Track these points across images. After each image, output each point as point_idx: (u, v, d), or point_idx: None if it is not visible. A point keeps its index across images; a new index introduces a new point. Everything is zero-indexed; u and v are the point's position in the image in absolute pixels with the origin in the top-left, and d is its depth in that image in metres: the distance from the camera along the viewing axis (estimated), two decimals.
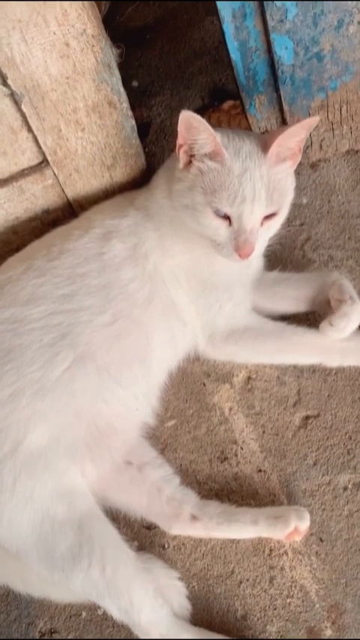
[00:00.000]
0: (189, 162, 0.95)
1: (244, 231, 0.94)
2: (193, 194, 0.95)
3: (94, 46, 0.92)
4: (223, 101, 1.40)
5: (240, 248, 0.95)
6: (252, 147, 0.94)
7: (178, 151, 0.95)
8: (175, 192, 0.99)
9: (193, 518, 0.99)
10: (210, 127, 0.90)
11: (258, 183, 0.92)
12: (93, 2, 0.90)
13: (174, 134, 0.95)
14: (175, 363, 1.12)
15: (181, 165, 0.96)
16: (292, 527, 0.95)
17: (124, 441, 1.03)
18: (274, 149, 0.93)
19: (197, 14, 1.58)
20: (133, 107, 1.48)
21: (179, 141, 0.94)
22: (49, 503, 0.89)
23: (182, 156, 0.95)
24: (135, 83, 1.55)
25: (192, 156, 0.95)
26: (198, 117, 0.89)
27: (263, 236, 0.98)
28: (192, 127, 0.91)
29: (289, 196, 0.99)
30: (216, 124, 1.26)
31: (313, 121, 0.93)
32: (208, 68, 1.51)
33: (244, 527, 0.98)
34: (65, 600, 0.98)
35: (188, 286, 1.07)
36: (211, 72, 1.50)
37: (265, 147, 0.94)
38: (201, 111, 1.44)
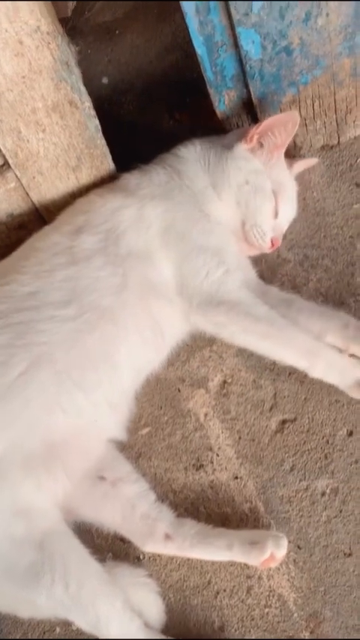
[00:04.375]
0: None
1: (282, 226, 1.15)
2: (260, 178, 1.09)
3: (49, 43, 0.89)
4: (194, 97, 1.37)
5: (277, 239, 1.12)
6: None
7: (253, 135, 1.08)
8: (237, 167, 1.09)
9: (167, 537, 0.97)
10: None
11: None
12: None
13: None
14: (160, 357, 1.08)
15: (247, 147, 1.10)
16: (268, 554, 0.93)
17: (86, 457, 0.99)
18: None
19: (168, 8, 1.54)
20: (102, 104, 1.46)
21: (261, 129, 1.08)
22: (6, 522, 0.86)
23: (255, 139, 1.09)
24: (105, 80, 1.51)
25: (259, 143, 1.10)
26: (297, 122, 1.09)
27: None
28: (286, 127, 1.08)
29: None
30: (184, 122, 1.23)
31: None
32: (179, 64, 1.47)
33: (218, 552, 0.95)
34: (34, 617, 0.96)
35: (172, 250, 1.03)
36: (183, 67, 1.46)
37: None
38: (171, 108, 1.41)
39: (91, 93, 1.39)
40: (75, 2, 1.54)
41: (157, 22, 1.54)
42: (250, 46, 1.03)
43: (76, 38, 1.56)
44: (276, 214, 1.11)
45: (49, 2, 0.86)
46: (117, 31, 1.58)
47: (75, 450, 0.97)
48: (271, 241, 1.11)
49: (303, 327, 1.03)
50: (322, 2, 0.98)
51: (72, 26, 1.59)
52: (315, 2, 0.98)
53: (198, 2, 0.95)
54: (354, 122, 1.23)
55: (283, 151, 1.12)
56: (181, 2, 0.96)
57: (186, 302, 1.03)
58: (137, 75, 1.49)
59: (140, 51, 1.53)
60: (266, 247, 1.12)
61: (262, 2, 0.95)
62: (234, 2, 0.95)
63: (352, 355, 1.02)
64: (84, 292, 0.98)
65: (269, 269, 1.19)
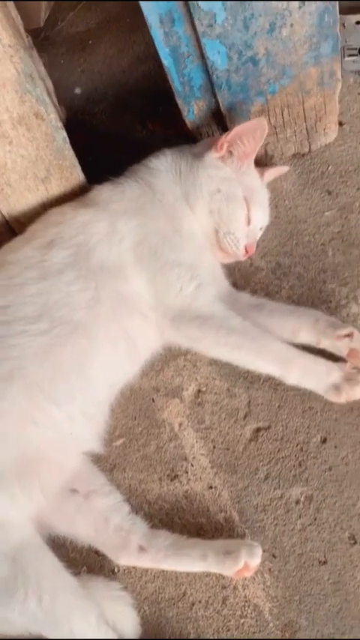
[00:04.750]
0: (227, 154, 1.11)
1: (256, 232, 1.16)
2: (232, 185, 1.10)
3: (12, 56, 0.89)
4: (167, 107, 1.37)
5: (251, 245, 1.13)
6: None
7: (222, 143, 1.09)
8: (208, 176, 1.10)
9: (141, 549, 0.96)
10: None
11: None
12: (7, 10, 0.86)
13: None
14: (135, 368, 1.08)
15: (217, 155, 1.10)
16: (242, 564, 0.92)
17: (61, 469, 0.98)
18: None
19: (140, 18, 1.54)
20: (75, 114, 1.47)
21: (230, 137, 1.08)
22: None
23: (224, 147, 1.09)
24: (78, 90, 1.51)
25: (229, 152, 1.10)
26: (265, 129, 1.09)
27: None
28: (254, 134, 1.08)
29: None
30: (157, 132, 1.23)
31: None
32: (152, 73, 1.48)
33: (192, 562, 0.95)
34: (6, 633, 0.94)
35: (145, 265, 1.03)
36: (156, 77, 1.47)
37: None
38: (144, 118, 1.41)
39: (64, 103, 1.40)
40: (47, 13, 1.55)
41: (130, 33, 1.55)
42: (216, 56, 1.04)
43: (48, 49, 1.56)
44: (249, 221, 1.12)
45: (11, 15, 0.86)
46: (90, 42, 1.58)
47: (50, 464, 0.96)
48: (245, 248, 1.12)
49: (277, 328, 1.05)
50: (285, 13, 0.99)
51: (45, 37, 1.59)
52: (279, 13, 0.99)
53: (162, 13, 0.96)
54: (324, 130, 1.24)
55: (253, 157, 1.13)
56: (145, 14, 0.96)
57: (160, 317, 1.03)
58: (110, 85, 1.49)
59: (113, 61, 1.53)
60: (240, 254, 1.12)
61: (226, 14, 0.96)
62: (198, 14, 0.95)
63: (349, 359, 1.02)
64: (55, 307, 0.98)
65: (242, 277, 1.19)
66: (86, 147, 1.22)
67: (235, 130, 1.07)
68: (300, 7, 0.99)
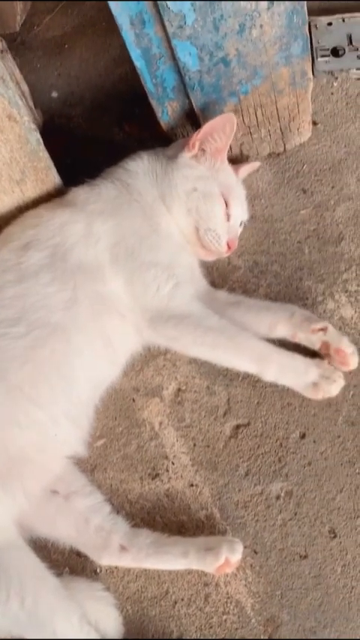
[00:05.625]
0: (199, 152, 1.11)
1: (236, 228, 1.15)
2: (208, 183, 1.10)
3: None
4: (143, 109, 1.38)
5: (232, 241, 1.12)
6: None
7: (194, 142, 1.09)
8: (183, 176, 1.10)
9: (123, 548, 0.96)
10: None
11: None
12: None
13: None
14: (116, 369, 1.08)
15: (190, 155, 1.11)
16: (223, 560, 0.93)
17: (44, 472, 0.98)
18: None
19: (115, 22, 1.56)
20: (52, 118, 1.47)
21: (201, 135, 1.09)
22: None
23: (196, 145, 1.10)
24: (55, 93, 1.51)
25: (202, 150, 1.11)
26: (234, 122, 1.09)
27: None
28: (224, 129, 1.08)
29: None
30: (133, 134, 1.24)
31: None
32: (128, 76, 1.48)
33: (173, 560, 0.95)
34: None
35: (122, 265, 1.03)
36: (132, 80, 1.46)
37: None
38: (121, 120, 1.42)
39: (41, 106, 1.41)
40: (23, 18, 1.55)
41: (106, 36, 1.56)
42: (188, 57, 1.05)
43: (25, 53, 1.57)
44: (228, 217, 1.12)
45: None
46: (66, 45, 1.59)
47: (34, 466, 0.96)
48: (227, 244, 1.12)
49: (254, 324, 1.06)
50: (254, 14, 1.00)
51: (21, 41, 1.60)
52: (248, 14, 1.00)
53: (132, 15, 0.97)
54: (298, 130, 1.25)
55: (226, 153, 1.13)
56: (115, 15, 0.97)
57: (137, 317, 1.03)
58: (87, 88, 1.50)
59: (89, 64, 1.54)
60: (223, 250, 1.13)
61: (195, 15, 0.97)
62: (168, 15, 0.96)
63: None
64: (32, 309, 0.98)
65: (220, 276, 1.20)
66: (63, 150, 1.23)
67: (205, 127, 1.08)
68: (269, 8, 1.00)
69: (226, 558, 0.93)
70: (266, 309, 1.08)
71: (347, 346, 1.01)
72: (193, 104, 1.14)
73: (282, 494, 1.00)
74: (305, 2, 1.03)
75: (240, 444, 1.05)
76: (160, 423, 1.09)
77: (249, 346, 1.01)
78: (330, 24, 1.26)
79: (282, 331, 1.05)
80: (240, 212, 1.16)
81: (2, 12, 1.48)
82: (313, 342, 1.03)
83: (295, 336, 1.04)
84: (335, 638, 0.91)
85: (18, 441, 0.94)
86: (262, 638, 0.92)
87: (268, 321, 1.06)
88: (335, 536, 0.96)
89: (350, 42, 1.27)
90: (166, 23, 0.98)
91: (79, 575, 1.00)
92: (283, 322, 1.05)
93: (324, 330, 1.02)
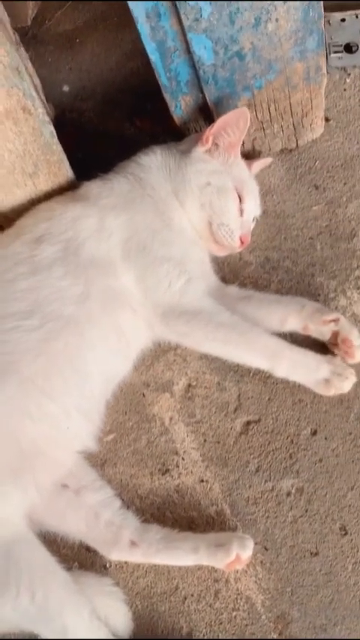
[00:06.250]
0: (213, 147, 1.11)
1: (249, 223, 1.15)
2: (221, 177, 1.10)
3: None
4: (155, 103, 1.37)
5: (245, 236, 1.12)
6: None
7: (208, 136, 1.09)
8: (196, 170, 1.10)
9: (133, 544, 0.96)
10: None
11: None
12: None
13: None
14: (129, 363, 1.08)
15: (203, 149, 1.10)
16: (234, 557, 0.92)
17: (56, 465, 0.97)
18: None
19: (127, 17, 1.54)
20: (64, 112, 1.47)
21: (215, 130, 1.09)
22: None
23: (210, 140, 1.10)
24: (66, 88, 1.51)
25: (215, 144, 1.11)
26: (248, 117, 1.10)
27: None
28: (237, 124, 1.08)
29: None
30: (145, 129, 1.24)
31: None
32: (140, 70, 1.48)
33: (184, 555, 0.95)
34: None
35: (134, 261, 1.03)
36: (144, 74, 1.46)
37: None
38: (132, 115, 1.41)
39: (52, 101, 1.40)
40: (35, 12, 1.55)
41: (117, 30, 1.55)
42: (203, 51, 1.04)
43: (36, 47, 1.56)
44: (241, 212, 1.12)
45: None
46: (77, 40, 1.58)
47: (45, 459, 0.95)
48: (240, 239, 1.12)
49: (265, 318, 1.06)
50: (270, 8, 0.99)
51: (32, 35, 1.59)
52: (264, 8, 0.99)
53: (148, 8, 0.96)
54: (310, 125, 1.24)
55: (239, 148, 1.13)
56: (131, 8, 0.96)
57: (149, 312, 1.03)
58: (98, 82, 1.49)
59: (101, 59, 1.54)
60: (236, 245, 1.12)
61: (211, 8, 0.96)
62: (184, 8, 0.95)
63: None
64: (45, 302, 0.97)
65: (232, 272, 1.19)
66: (75, 144, 1.23)
67: (219, 122, 1.08)
68: (285, 2, 0.99)
69: (237, 555, 0.92)
70: (277, 302, 1.08)
71: (356, 338, 1.01)
72: (207, 98, 1.13)
73: (293, 491, 1.00)
74: None
75: (251, 440, 1.05)
76: (171, 419, 1.09)
77: (260, 342, 1.01)
78: (343, 20, 1.26)
79: (293, 324, 1.05)
80: (253, 207, 1.15)
81: (14, 6, 1.47)
82: (324, 333, 1.03)
83: (306, 328, 1.04)
84: (346, 635, 0.90)
85: (30, 433, 0.93)
86: (272, 634, 0.91)
87: (279, 314, 1.06)
88: (346, 534, 0.96)
89: None
90: (182, 16, 0.97)
91: (88, 570, 0.99)
92: (294, 315, 1.05)
93: (336, 321, 1.02)
